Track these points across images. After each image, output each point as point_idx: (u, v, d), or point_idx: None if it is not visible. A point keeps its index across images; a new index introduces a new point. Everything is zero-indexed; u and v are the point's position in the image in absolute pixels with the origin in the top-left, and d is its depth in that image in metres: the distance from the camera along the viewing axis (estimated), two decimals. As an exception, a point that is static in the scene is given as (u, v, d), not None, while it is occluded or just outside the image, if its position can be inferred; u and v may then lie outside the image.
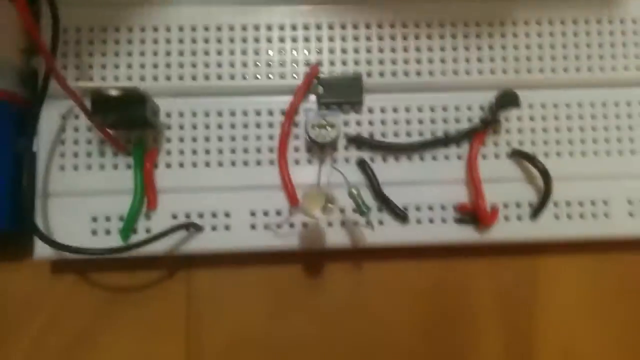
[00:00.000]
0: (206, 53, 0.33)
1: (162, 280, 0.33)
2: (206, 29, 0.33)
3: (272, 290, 0.34)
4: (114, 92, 0.28)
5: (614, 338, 0.34)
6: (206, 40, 0.33)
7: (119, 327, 0.33)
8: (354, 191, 0.29)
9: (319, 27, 0.33)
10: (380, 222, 0.32)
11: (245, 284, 0.34)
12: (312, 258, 0.34)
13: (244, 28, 0.33)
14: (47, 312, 0.33)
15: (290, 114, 0.32)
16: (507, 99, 0.30)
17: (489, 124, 0.32)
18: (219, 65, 0.33)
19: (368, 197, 0.32)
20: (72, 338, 0.33)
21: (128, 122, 0.30)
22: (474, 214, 0.32)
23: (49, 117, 0.32)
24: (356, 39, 0.33)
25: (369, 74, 0.33)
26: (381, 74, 0.33)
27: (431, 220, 0.32)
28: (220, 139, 0.32)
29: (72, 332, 0.33)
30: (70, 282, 0.33)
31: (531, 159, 0.32)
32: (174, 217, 0.32)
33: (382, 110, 0.33)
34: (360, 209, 0.29)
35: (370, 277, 0.34)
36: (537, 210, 0.32)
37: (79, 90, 0.28)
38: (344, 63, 0.33)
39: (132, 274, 0.33)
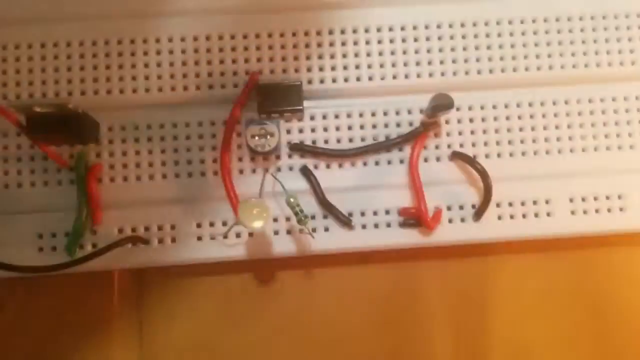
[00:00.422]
0: (146, 65, 0.33)
1: (112, 295, 0.34)
2: (145, 41, 0.33)
3: (223, 299, 0.34)
4: (45, 109, 0.28)
5: (565, 336, 0.34)
6: (145, 53, 0.33)
7: (69, 344, 0.33)
8: (292, 200, 0.29)
9: (257, 35, 0.33)
10: (326, 229, 0.32)
11: (196, 294, 0.34)
12: (262, 266, 0.34)
13: (183, 39, 0.33)
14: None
15: (231, 124, 0.32)
16: (442, 102, 0.30)
17: (428, 127, 0.32)
18: (159, 77, 0.33)
19: (313, 205, 0.32)
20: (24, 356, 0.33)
21: (65, 139, 0.30)
22: (417, 217, 0.32)
23: (-9, 134, 0.32)
24: (295, 46, 0.33)
25: (309, 81, 0.33)
26: (321, 81, 0.33)
27: (376, 225, 0.32)
28: (163, 150, 0.32)
29: (24, 351, 0.33)
30: (21, 300, 0.34)
31: (470, 160, 0.32)
32: (120, 231, 0.32)
33: (324, 117, 0.33)
34: (298, 217, 0.29)
35: (320, 283, 0.34)
36: (479, 212, 0.32)
37: (12, 109, 0.29)
38: (285, 71, 0.33)
39: (82, 290, 0.34)
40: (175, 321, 0.34)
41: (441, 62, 0.33)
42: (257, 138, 0.31)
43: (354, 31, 0.33)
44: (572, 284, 0.35)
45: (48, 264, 0.30)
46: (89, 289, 0.33)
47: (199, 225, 0.32)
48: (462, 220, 0.33)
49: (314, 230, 0.32)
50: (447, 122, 0.33)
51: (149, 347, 0.33)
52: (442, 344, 0.34)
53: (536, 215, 0.33)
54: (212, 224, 0.32)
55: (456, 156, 0.33)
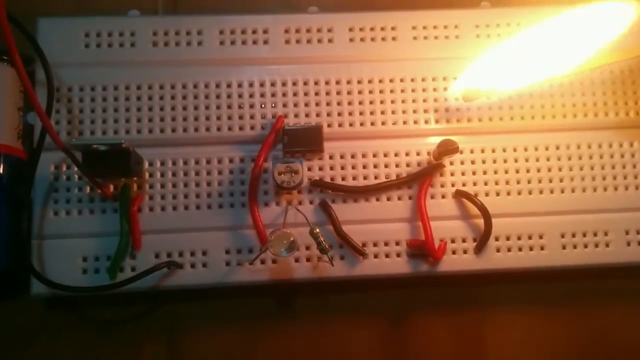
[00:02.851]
0: (184, 108, 0.37)
1: (145, 314, 0.37)
2: (184, 86, 0.37)
3: (247, 320, 0.37)
4: (101, 148, 0.32)
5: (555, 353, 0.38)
6: (184, 97, 0.37)
7: (107, 356, 0.37)
8: (316, 231, 0.33)
9: (284, 84, 0.37)
10: (342, 257, 0.36)
11: (224, 315, 0.37)
12: (282, 292, 0.38)
13: (218, 85, 0.37)
14: (41, 345, 0.36)
15: (259, 161, 0.36)
16: (448, 147, 0.34)
17: (435, 167, 0.36)
18: (196, 118, 0.37)
19: (330, 236, 0.36)
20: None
21: (114, 173, 0.34)
22: (424, 248, 0.36)
23: (44, 167, 0.35)
24: (317, 93, 0.37)
25: (329, 125, 0.37)
26: (340, 125, 0.37)
27: (387, 255, 0.36)
28: (197, 184, 0.36)
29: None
30: (62, 317, 0.37)
31: (472, 198, 0.36)
32: (157, 256, 0.35)
33: (342, 156, 0.37)
34: (321, 246, 0.33)
35: (334, 307, 0.38)
36: (480, 245, 0.36)
37: (72, 147, 0.32)
38: (307, 115, 0.37)
39: (119, 308, 0.37)
40: (201, 339, 0.37)
41: (446, 110, 0.37)
42: (283, 175, 0.35)
43: (369, 81, 0.38)
44: (559, 309, 0.38)
45: (91, 285, 0.34)
46: (126, 309, 0.37)
47: (227, 252, 0.35)
48: (465, 252, 0.36)
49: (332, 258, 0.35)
50: (451, 163, 0.37)
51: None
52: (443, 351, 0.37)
53: (531, 248, 0.36)
54: (239, 251, 0.35)
55: (459, 194, 0.36)
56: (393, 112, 0.37)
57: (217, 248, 0.35)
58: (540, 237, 0.36)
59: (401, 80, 0.38)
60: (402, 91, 0.38)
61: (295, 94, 0.37)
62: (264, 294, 0.38)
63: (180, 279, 0.35)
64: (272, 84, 0.37)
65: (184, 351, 0.37)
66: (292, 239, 0.32)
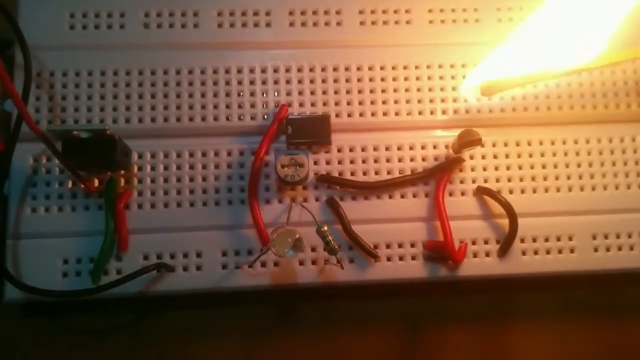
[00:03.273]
0: (178, 96, 0.33)
1: (132, 324, 0.34)
2: (178, 72, 0.34)
3: (244, 330, 0.34)
4: (84, 135, 0.28)
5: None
6: (178, 83, 0.33)
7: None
8: (323, 229, 0.30)
9: (288, 70, 0.34)
10: (351, 260, 0.32)
11: (219, 324, 0.34)
12: (284, 298, 0.34)
13: (215, 71, 0.34)
14: (17, 358, 0.33)
15: (260, 154, 0.32)
16: (469, 139, 0.31)
17: (453, 162, 0.33)
18: (190, 107, 0.33)
19: (338, 236, 0.32)
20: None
21: (99, 164, 0.30)
22: (442, 251, 0.32)
23: (21, 159, 0.32)
24: (324, 81, 0.34)
25: (337, 115, 0.34)
26: (349, 115, 0.34)
27: (401, 258, 0.33)
28: (192, 179, 0.33)
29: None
30: (40, 326, 0.33)
31: (495, 195, 0.33)
32: (146, 257, 0.32)
33: (351, 150, 0.33)
34: (329, 246, 0.29)
35: (342, 315, 0.34)
36: (504, 247, 0.32)
37: (51, 133, 0.29)
38: (313, 104, 0.34)
39: (103, 317, 0.34)
40: (195, 351, 0.33)
41: (465, 100, 0.34)
42: (286, 168, 0.31)
43: (381, 68, 0.34)
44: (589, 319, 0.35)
45: (71, 289, 0.30)
46: (111, 316, 0.33)
47: (224, 254, 0.32)
48: (487, 255, 0.33)
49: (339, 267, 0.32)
50: (472, 157, 0.34)
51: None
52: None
53: (560, 251, 0.33)
54: (237, 253, 0.32)
55: (481, 191, 0.33)
56: (407, 102, 0.34)
57: (213, 249, 0.32)
58: (570, 239, 0.33)
59: (416, 67, 0.34)
60: (417, 79, 0.34)
61: (300, 81, 0.34)
62: (263, 301, 0.34)
63: (171, 283, 0.32)
64: (275, 70, 0.34)
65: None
66: (297, 236, 0.29)
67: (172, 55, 0.34)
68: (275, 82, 0.34)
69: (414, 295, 0.34)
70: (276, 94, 0.34)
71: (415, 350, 0.34)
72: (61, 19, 0.34)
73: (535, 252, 0.33)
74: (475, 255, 0.33)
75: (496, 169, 0.34)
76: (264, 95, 0.34)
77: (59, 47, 0.34)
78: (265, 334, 0.34)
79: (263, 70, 0.34)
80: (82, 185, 0.31)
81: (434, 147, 0.34)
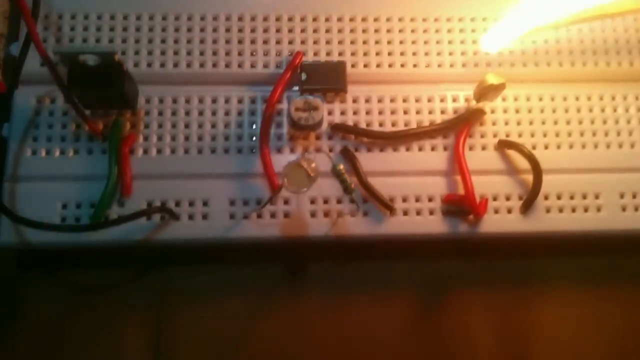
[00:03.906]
0: (189, 41, 0.32)
1: (133, 277, 0.32)
2: (189, 18, 0.32)
3: (251, 290, 0.32)
4: (91, 62, 0.27)
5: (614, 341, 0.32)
6: (189, 29, 0.32)
7: (87, 325, 0.31)
8: (339, 167, 0.28)
9: (303, 19, 0.33)
10: (366, 214, 0.30)
11: (223, 282, 0.32)
12: (294, 256, 0.32)
13: (228, 18, 0.33)
14: (9, 311, 0.31)
15: (272, 100, 0.31)
16: (492, 82, 0.30)
17: (474, 113, 0.31)
18: (202, 53, 0.32)
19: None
20: (39, 336, 0.31)
21: (106, 97, 0.29)
22: (462, 205, 0.31)
23: (24, 101, 0.31)
24: (340, 31, 0.33)
25: (353, 65, 0.32)
26: (366, 65, 0.33)
27: (418, 212, 0.31)
28: (200, 125, 0.31)
29: (40, 329, 0.31)
30: (36, 278, 0.31)
31: (519, 147, 0.31)
32: (149, 204, 0.30)
33: (367, 101, 0.32)
34: (345, 184, 0.28)
35: (354, 277, 0.32)
36: (527, 203, 0.31)
37: (57, 57, 0.27)
38: (328, 54, 0.33)
39: (103, 270, 0.32)
40: (199, 309, 0.31)
41: (486, 54, 0.33)
42: (300, 112, 0.30)
43: (400, 19, 0.33)
44: (618, 288, 0.33)
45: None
46: (112, 269, 0.32)
47: (232, 203, 0.30)
48: (509, 211, 0.31)
49: (353, 213, 0.30)
50: (492, 111, 0.32)
51: (169, 335, 0.31)
52: (482, 344, 0.32)
53: (586, 209, 0.31)
54: (246, 202, 0.30)
55: (503, 144, 0.31)
56: (426, 54, 0.33)
57: (220, 198, 0.30)
58: (596, 197, 0.31)
59: (435, 20, 0.33)
60: (437, 31, 0.33)
61: (315, 31, 0.33)
62: (271, 259, 0.32)
63: (175, 232, 0.30)
64: (290, 19, 0.33)
65: (174, 327, 0.31)
66: (313, 165, 0.27)
67: (184, 1, 0.33)
68: (290, 31, 0.33)
69: (433, 257, 0.32)
70: (290, 42, 0.33)
71: (434, 315, 0.32)
72: (72, -37, 0.33)
73: (560, 210, 0.31)
74: (496, 212, 0.31)
75: (518, 123, 0.32)
76: (278, 43, 0.33)
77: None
78: (272, 296, 0.32)
79: (277, 19, 0.33)
80: (87, 126, 0.30)
81: (454, 100, 0.32)
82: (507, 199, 0.31)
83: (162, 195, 0.30)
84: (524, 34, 0.32)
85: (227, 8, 0.33)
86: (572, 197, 0.31)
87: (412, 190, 0.31)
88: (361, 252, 0.32)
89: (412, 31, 0.33)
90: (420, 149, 0.32)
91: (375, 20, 0.33)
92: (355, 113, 0.32)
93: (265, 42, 0.32)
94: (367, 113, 0.32)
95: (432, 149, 0.32)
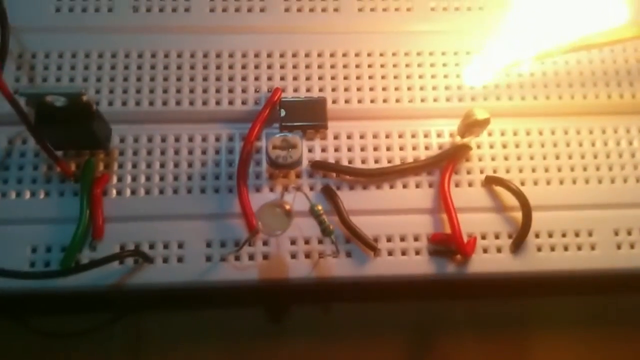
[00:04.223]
0: (165, 79, 0.31)
1: (106, 326, 0.30)
2: (166, 55, 0.32)
3: (229, 335, 0.30)
4: (58, 103, 0.26)
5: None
6: (166, 67, 0.32)
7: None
8: (317, 208, 0.27)
9: (282, 55, 0.32)
10: (349, 254, 0.29)
11: (200, 328, 0.30)
12: (274, 299, 0.31)
13: (206, 55, 0.32)
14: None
15: (250, 138, 0.30)
16: (476, 118, 0.29)
17: (460, 149, 0.30)
18: (178, 91, 0.31)
19: (335, 228, 0.29)
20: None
21: (75, 139, 0.28)
22: (449, 244, 0.29)
23: (-5, 142, 0.30)
24: (320, 66, 0.32)
25: (334, 101, 0.32)
26: (347, 101, 0.32)
27: (404, 252, 0.29)
28: (177, 165, 0.30)
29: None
30: (4, 327, 0.30)
31: (506, 184, 0.30)
32: (122, 248, 0.29)
33: (349, 137, 0.31)
34: (323, 226, 0.27)
35: (339, 321, 0.31)
36: (517, 241, 0.29)
37: (22, 98, 0.26)
38: (309, 90, 0.32)
39: (73, 317, 0.30)
40: (174, 359, 0.30)
41: (471, 88, 0.32)
42: (278, 150, 0.29)
43: (381, 54, 0.32)
44: (619, 330, 0.31)
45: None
46: (83, 316, 0.30)
47: (208, 245, 0.29)
48: (499, 250, 0.30)
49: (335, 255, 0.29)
50: (478, 146, 0.31)
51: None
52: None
53: (579, 247, 0.30)
54: (223, 244, 0.29)
55: (490, 181, 0.30)
56: (409, 89, 0.32)
57: (197, 240, 0.29)
58: (590, 235, 0.30)
59: (418, 54, 0.32)
60: (419, 66, 0.32)
61: (295, 67, 0.32)
62: (251, 302, 0.31)
63: (149, 276, 0.28)
64: (269, 55, 0.32)
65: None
66: (287, 207, 0.26)
67: (161, 39, 0.32)
68: (269, 67, 0.32)
69: (420, 299, 0.31)
70: (269, 79, 0.32)
71: (423, 360, 0.30)
72: (48, 2, 0.32)
73: (552, 248, 0.30)
74: (485, 251, 0.30)
75: (506, 158, 0.31)
76: (257, 80, 0.32)
77: (44, 29, 0.32)
78: (252, 340, 0.30)
79: (256, 55, 0.32)
80: (58, 168, 0.29)
81: (438, 136, 0.31)
82: (496, 237, 0.30)
83: (136, 237, 0.29)
84: (508, 67, 0.31)
85: (205, 45, 0.32)
86: (564, 235, 0.30)
87: (397, 230, 0.30)
88: (345, 295, 0.30)
89: (394, 66, 0.32)
90: (404, 187, 0.30)
91: (357, 55, 0.32)
92: (336, 150, 0.31)
93: (243, 78, 0.32)
94: (349, 150, 0.31)
95: (417, 186, 0.30)
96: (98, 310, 0.30)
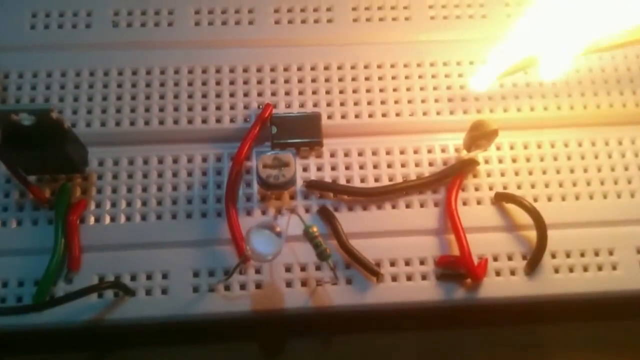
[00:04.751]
0: (147, 97, 0.29)
1: (86, 364, 0.28)
2: (149, 72, 0.30)
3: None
4: (26, 122, 0.24)
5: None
6: (148, 84, 0.30)
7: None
8: (312, 229, 0.24)
9: (273, 69, 0.30)
10: (349, 281, 0.27)
11: (188, 366, 0.28)
12: (269, 332, 0.28)
13: (191, 71, 0.30)
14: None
15: (239, 157, 0.28)
16: (483, 129, 0.27)
17: (466, 164, 0.28)
18: (161, 109, 0.29)
19: (333, 253, 0.26)
20: None
21: (47, 161, 0.26)
22: (458, 267, 0.27)
23: (-36, 169, 0.28)
24: (314, 80, 0.30)
25: (329, 116, 0.29)
26: (343, 116, 0.30)
27: (409, 278, 0.27)
28: (160, 188, 0.28)
29: None
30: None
31: (519, 201, 0.28)
32: (101, 280, 0.26)
33: (346, 154, 0.29)
34: (319, 249, 0.24)
35: (340, 354, 0.28)
36: (532, 263, 0.27)
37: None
38: (302, 105, 0.30)
39: (52, 355, 0.28)
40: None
41: (476, 99, 0.30)
42: (269, 169, 0.27)
43: (379, 66, 0.30)
44: None
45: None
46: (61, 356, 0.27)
47: (196, 274, 0.27)
48: (512, 273, 0.27)
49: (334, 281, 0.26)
50: (486, 161, 0.29)
51: None
52: None
53: (599, 268, 0.27)
54: (211, 273, 0.27)
55: (501, 198, 0.28)
56: (409, 102, 0.30)
57: (182, 269, 0.27)
58: (611, 254, 0.28)
59: (418, 65, 0.31)
60: (420, 77, 0.30)
61: (287, 81, 0.30)
62: (244, 337, 0.28)
63: (131, 309, 0.26)
64: (259, 70, 0.30)
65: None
66: (277, 229, 0.23)
67: (143, 55, 0.30)
68: (259, 82, 0.30)
69: (428, 328, 0.28)
70: (260, 94, 0.30)
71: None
72: (22, 19, 0.31)
73: (570, 270, 0.27)
74: (497, 274, 0.27)
75: (516, 174, 0.29)
76: (246, 96, 0.30)
77: (17, 47, 0.30)
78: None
79: (245, 70, 0.30)
80: (30, 193, 0.27)
81: (442, 151, 0.29)
82: (509, 258, 0.27)
83: (116, 268, 0.27)
84: (514, 75, 0.29)
85: (190, 60, 0.30)
86: (582, 255, 0.28)
87: (401, 253, 0.27)
88: (346, 325, 0.28)
89: (393, 78, 0.30)
90: (407, 206, 0.28)
91: (353, 67, 0.30)
92: (333, 168, 0.29)
93: (232, 94, 0.30)
94: (347, 168, 0.29)
95: (421, 205, 0.28)
96: (77, 349, 0.28)
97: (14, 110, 0.24)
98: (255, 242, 0.23)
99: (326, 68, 0.30)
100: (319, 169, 0.29)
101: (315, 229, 0.24)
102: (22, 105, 0.28)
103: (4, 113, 0.24)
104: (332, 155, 0.29)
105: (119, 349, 0.28)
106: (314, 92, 0.30)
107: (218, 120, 0.29)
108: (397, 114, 0.30)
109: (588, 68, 0.31)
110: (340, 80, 0.30)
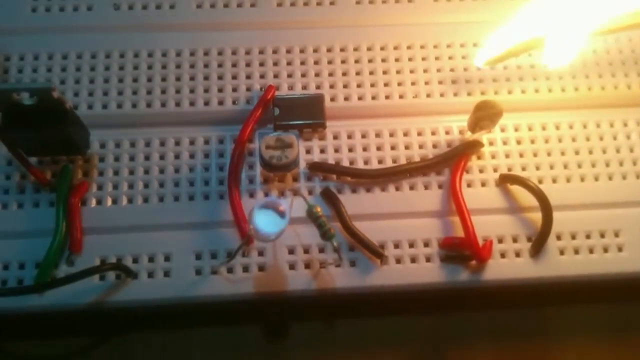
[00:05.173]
0: (149, 80, 0.29)
1: (86, 348, 0.27)
2: (150, 54, 0.30)
3: (224, 357, 0.28)
4: (27, 102, 0.24)
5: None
6: (150, 67, 0.29)
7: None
8: (315, 209, 0.24)
9: (275, 51, 0.30)
10: (353, 263, 0.27)
11: (192, 349, 0.28)
12: (272, 315, 0.28)
13: (193, 53, 0.30)
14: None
15: (242, 139, 0.27)
16: (488, 109, 0.26)
17: (470, 146, 0.28)
18: (163, 91, 0.29)
19: (337, 234, 0.26)
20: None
21: (48, 141, 0.25)
22: (462, 249, 0.27)
23: (-35, 151, 0.28)
24: (317, 62, 0.30)
25: (332, 99, 0.29)
26: (346, 98, 0.29)
27: (413, 260, 0.27)
28: (162, 170, 0.28)
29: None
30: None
31: (524, 182, 0.27)
32: (103, 262, 0.26)
33: (349, 136, 0.29)
34: (323, 229, 0.24)
35: (343, 336, 0.28)
36: (537, 244, 0.27)
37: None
38: (305, 87, 0.29)
39: (51, 341, 0.28)
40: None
41: (480, 81, 0.30)
42: (272, 150, 0.26)
43: (382, 48, 0.30)
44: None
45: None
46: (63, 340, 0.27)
47: (198, 257, 0.26)
48: (517, 255, 0.27)
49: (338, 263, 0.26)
50: (491, 143, 0.29)
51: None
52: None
53: (605, 249, 0.27)
54: (214, 256, 0.26)
55: (505, 179, 0.28)
56: (413, 84, 0.30)
57: (185, 251, 0.26)
58: (616, 235, 0.27)
59: (422, 47, 0.30)
60: (424, 59, 0.30)
61: (289, 63, 0.30)
62: (247, 319, 0.28)
63: (133, 292, 0.26)
64: (261, 52, 0.30)
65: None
66: (281, 208, 0.23)
67: (145, 37, 0.30)
68: (262, 64, 0.30)
69: (432, 310, 0.28)
70: (262, 76, 0.29)
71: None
72: (23, 1, 0.30)
73: (576, 251, 0.27)
74: (502, 256, 0.27)
75: (521, 155, 0.29)
76: (249, 78, 0.29)
77: (19, 30, 0.30)
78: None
79: (247, 52, 0.30)
80: (31, 175, 0.27)
81: (446, 133, 0.29)
82: (514, 240, 0.27)
83: (118, 250, 0.26)
84: (521, 55, 0.28)
85: (192, 43, 0.30)
86: (588, 236, 0.27)
87: (405, 235, 0.27)
88: (350, 308, 0.28)
89: (397, 60, 0.30)
90: (411, 188, 0.28)
91: (355, 49, 0.30)
92: (336, 150, 0.28)
93: (234, 77, 0.29)
94: (350, 150, 0.28)
95: (426, 187, 0.28)
96: (79, 334, 0.28)
97: (15, 89, 0.23)
98: (259, 221, 0.23)
99: (329, 50, 0.30)
100: (322, 151, 0.28)
101: (318, 209, 0.24)
102: (22, 83, 0.28)
103: (4, 92, 0.23)
104: (336, 137, 0.29)
105: (119, 334, 0.28)
106: (316, 74, 0.30)
107: (220, 103, 0.29)
108: (401, 96, 0.29)
109: (592, 50, 0.31)
110: (343, 62, 0.30)
